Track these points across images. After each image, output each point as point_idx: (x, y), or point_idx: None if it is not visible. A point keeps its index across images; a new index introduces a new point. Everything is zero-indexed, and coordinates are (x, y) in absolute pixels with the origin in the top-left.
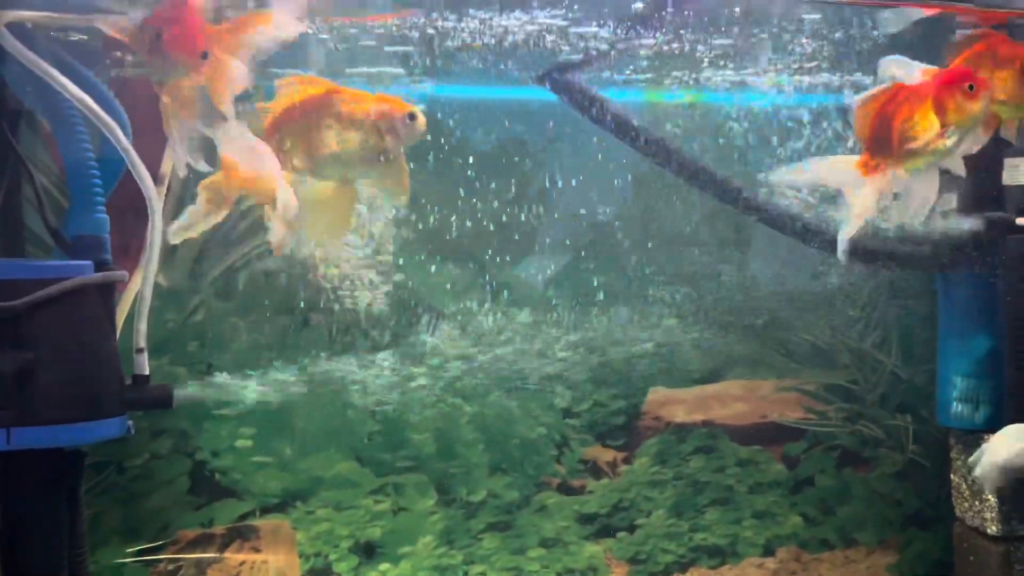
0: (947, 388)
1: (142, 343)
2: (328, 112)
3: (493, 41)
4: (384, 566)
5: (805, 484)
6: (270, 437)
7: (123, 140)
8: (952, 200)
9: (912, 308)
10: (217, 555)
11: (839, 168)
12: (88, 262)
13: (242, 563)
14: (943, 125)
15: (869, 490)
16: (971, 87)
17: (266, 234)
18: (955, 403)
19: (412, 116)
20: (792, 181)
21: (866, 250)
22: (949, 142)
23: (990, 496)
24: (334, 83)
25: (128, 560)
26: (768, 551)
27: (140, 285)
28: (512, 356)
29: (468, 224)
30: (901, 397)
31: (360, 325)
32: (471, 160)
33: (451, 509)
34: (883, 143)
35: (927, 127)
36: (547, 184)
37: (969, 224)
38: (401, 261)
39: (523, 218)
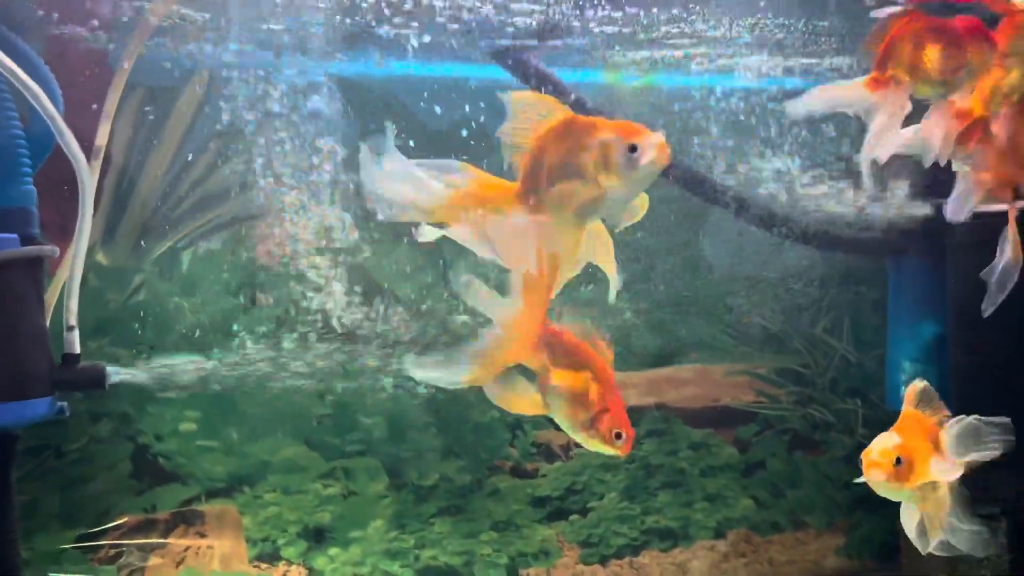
0: (896, 372)
1: (73, 321)
2: (562, 147)
3: (446, 17)
4: (334, 551)
5: (756, 467)
6: (216, 420)
7: (49, 107)
8: (904, 186)
9: (863, 293)
10: (161, 540)
11: (849, 92)
12: (13, 235)
13: (187, 549)
14: (959, 64)
15: (819, 473)
16: (987, 38)
17: (213, 210)
18: (903, 387)
19: (633, 148)
20: (809, 107)
21: (820, 236)
22: (959, 79)
23: None
24: (569, 109)
25: (68, 546)
26: (719, 534)
27: (71, 260)
28: (464, 338)
29: None
30: (851, 381)
31: (309, 306)
32: (424, 139)
33: (402, 493)
34: (896, 61)
35: (945, 59)
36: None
37: (920, 210)
38: (353, 241)
39: None
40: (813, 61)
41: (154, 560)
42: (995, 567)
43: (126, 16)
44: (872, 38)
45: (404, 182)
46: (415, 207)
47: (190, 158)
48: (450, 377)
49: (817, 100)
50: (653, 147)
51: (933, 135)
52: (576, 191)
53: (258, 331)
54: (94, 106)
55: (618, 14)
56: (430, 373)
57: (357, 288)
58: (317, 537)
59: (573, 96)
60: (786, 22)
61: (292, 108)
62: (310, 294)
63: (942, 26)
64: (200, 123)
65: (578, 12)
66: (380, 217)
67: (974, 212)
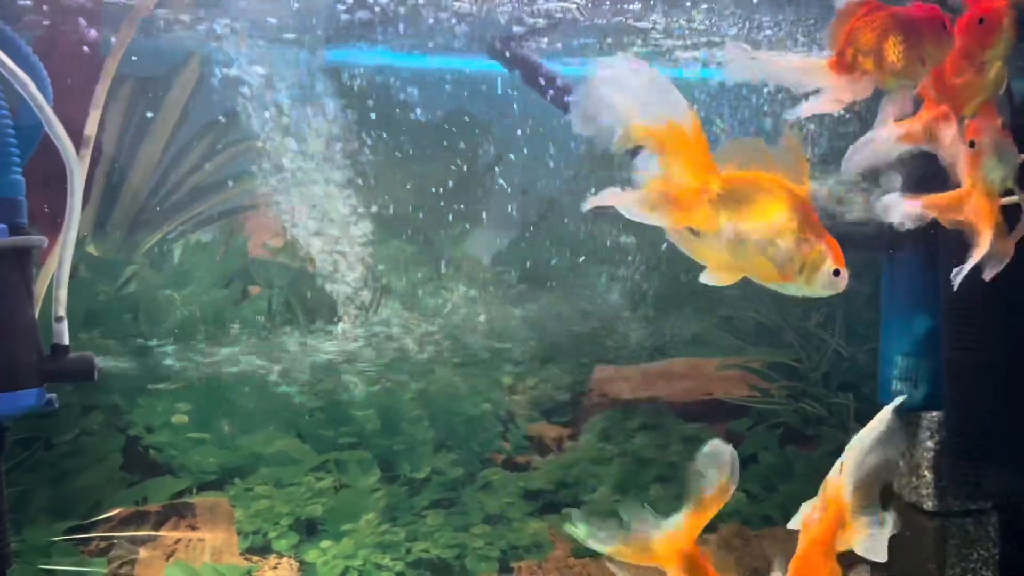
0: (888, 367)
1: (61, 311)
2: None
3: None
4: (325, 543)
5: (749, 461)
6: (207, 413)
7: (37, 96)
8: (897, 181)
9: (856, 288)
10: (152, 533)
11: (805, 65)
12: (1, 225)
13: (178, 541)
14: (919, 55)
15: (811, 467)
16: (944, 26)
17: (204, 201)
18: (895, 381)
19: (837, 272)
20: (750, 69)
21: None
22: (919, 70)
23: (927, 473)
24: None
25: (58, 539)
26: (711, 527)
27: (60, 251)
28: (458, 332)
29: (415, 199)
30: (844, 376)
31: (303, 298)
32: (417, 131)
33: (394, 486)
34: (860, 50)
35: (908, 50)
36: (495, 159)
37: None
38: (348, 234)
39: (471, 193)
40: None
41: (145, 552)
42: (985, 561)
43: (116, 5)
44: (835, 25)
45: (642, 88)
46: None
47: (182, 149)
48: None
49: (766, 66)
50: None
51: (893, 130)
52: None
53: (250, 323)
54: (83, 95)
55: (619, 7)
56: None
57: (352, 281)
58: (309, 530)
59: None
60: (783, 19)
61: (287, 98)
62: (304, 286)
63: (903, 16)
64: (192, 113)
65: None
66: (576, 130)
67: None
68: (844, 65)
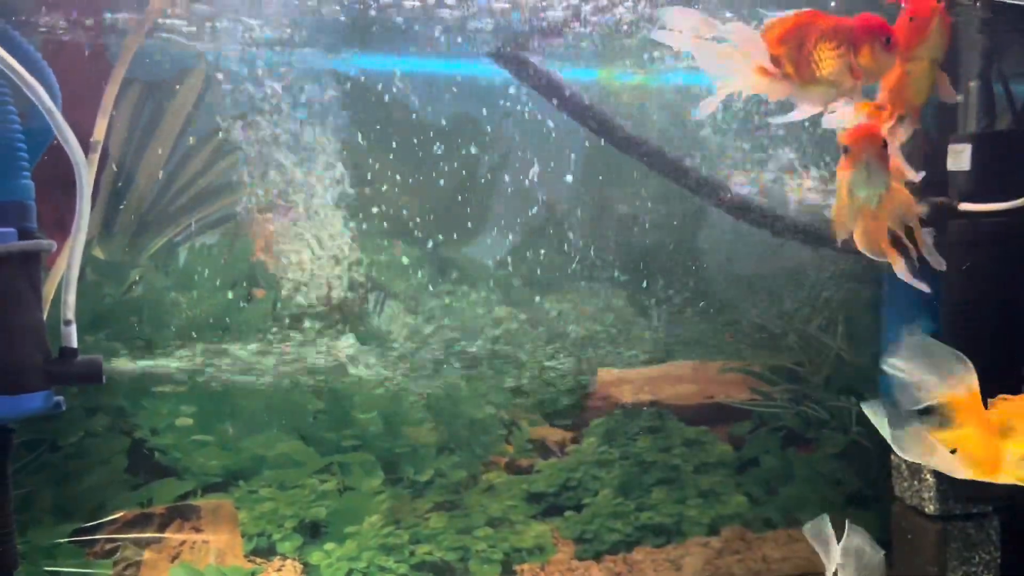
0: None
1: (70, 315)
2: None
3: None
4: (329, 546)
5: (750, 464)
6: (211, 415)
7: (46, 101)
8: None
9: (858, 292)
10: (156, 535)
11: (731, 56)
12: (11, 229)
13: (182, 543)
14: (853, 67)
15: (812, 470)
16: (888, 40)
17: (208, 207)
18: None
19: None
20: (691, 48)
21: (815, 233)
22: (852, 84)
23: (928, 476)
24: None
25: (63, 540)
26: (713, 530)
27: (69, 255)
28: (461, 335)
29: (418, 203)
30: (845, 379)
31: (306, 302)
32: (424, 136)
33: (398, 488)
34: (787, 56)
35: (837, 62)
36: (498, 163)
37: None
38: (350, 238)
39: (474, 197)
40: None
41: (149, 554)
42: (986, 564)
43: (125, 11)
44: (768, 28)
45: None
46: None
47: (187, 153)
48: None
49: (695, 44)
50: None
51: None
52: None
53: (255, 327)
54: (91, 101)
55: (618, 10)
56: None
57: (355, 284)
58: (312, 532)
59: (569, 92)
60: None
61: (291, 103)
62: (308, 289)
63: (841, 26)
64: (198, 118)
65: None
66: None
67: (972, 212)
68: (768, 72)
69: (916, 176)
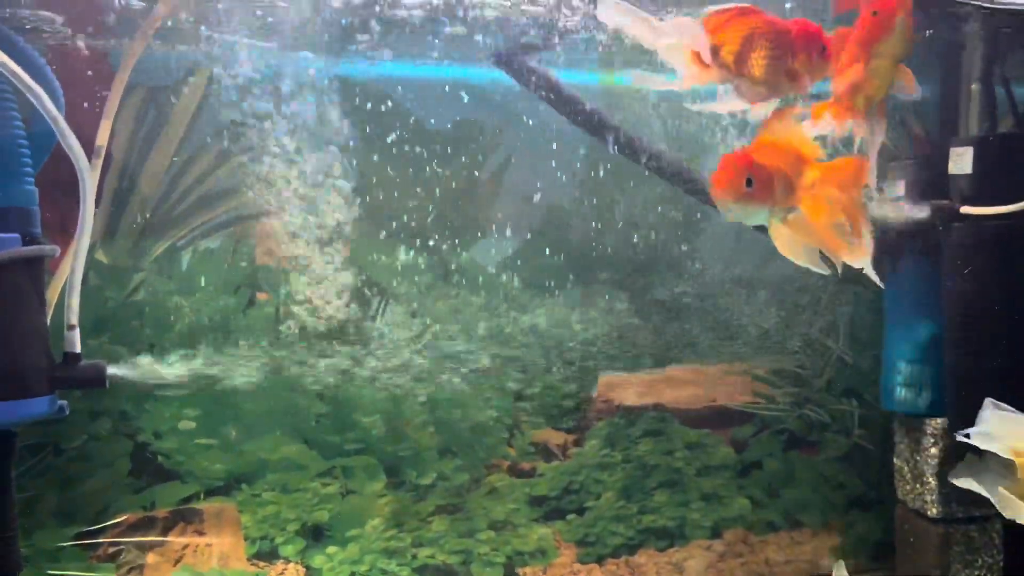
0: (892, 373)
1: (73, 320)
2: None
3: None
4: (332, 549)
5: (752, 467)
6: (214, 418)
7: (50, 107)
8: (900, 187)
9: (859, 294)
10: (159, 538)
11: (671, 44)
12: (15, 235)
13: (185, 547)
14: (790, 71)
15: (815, 473)
16: (823, 50)
17: (213, 209)
18: (899, 388)
19: None
20: (633, 30)
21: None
22: (782, 83)
23: (931, 479)
24: None
25: (67, 544)
26: (715, 533)
27: (72, 259)
28: (463, 339)
29: (421, 206)
30: (847, 382)
31: (308, 305)
32: (425, 141)
33: (400, 492)
34: (726, 50)
35: (774, 64)
36: (500, 166)
37: (916, 211)
38: (352, 241)
39: (476, 200)
40: None
41: (152, 558)
42: (989, 567)
43: (128, 16)
44: (710, 21)
45: None
46: None
47: (190, 157)
48: None
49: (635, 25)
50: None
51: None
52: None
53: (257, 330)
54: (95, 107)
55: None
56: None
57: (357, 287)
58: (315, 535)
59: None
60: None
61: (294, 108)
62: (310, 292)
63: (779, 27)
64: (201, 122)
65: (577, 13)
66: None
67: (972, 214)
68: (704, 65)
69: (873, 184)
